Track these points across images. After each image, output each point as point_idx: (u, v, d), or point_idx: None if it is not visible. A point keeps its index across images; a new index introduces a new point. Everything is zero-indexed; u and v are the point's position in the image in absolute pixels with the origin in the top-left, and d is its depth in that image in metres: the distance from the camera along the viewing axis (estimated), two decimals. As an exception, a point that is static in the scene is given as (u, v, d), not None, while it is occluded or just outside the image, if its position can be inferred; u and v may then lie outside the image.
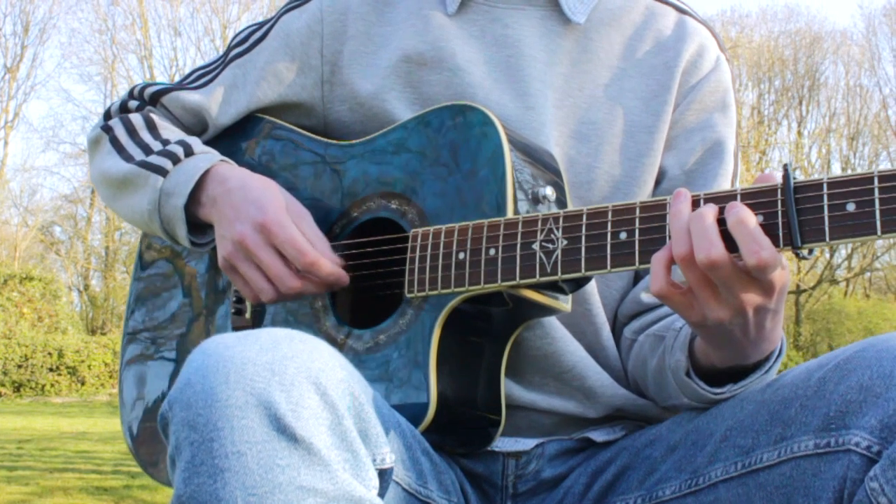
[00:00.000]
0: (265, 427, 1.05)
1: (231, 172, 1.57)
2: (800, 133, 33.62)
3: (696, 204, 1.23)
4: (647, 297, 1.58)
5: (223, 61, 1.75)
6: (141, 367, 1.80)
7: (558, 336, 1.53)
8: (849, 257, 31.92)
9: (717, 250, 1.17)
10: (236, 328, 1.65)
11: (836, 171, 32.86)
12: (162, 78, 32.14)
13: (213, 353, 1.10)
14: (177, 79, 1.84)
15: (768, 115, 33.76)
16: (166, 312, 1.79)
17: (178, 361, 1.75)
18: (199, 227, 1.60)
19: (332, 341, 1.50)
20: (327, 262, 1.49)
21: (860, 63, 34.30)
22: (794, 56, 34.10)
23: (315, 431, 1.07)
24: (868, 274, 33.63)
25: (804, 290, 30.62)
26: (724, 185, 1.62)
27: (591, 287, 1.56)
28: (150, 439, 1.75)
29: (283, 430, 1.06)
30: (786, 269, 1.21)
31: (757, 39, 34.09)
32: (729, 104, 1.67)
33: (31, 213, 33.75)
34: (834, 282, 32.12)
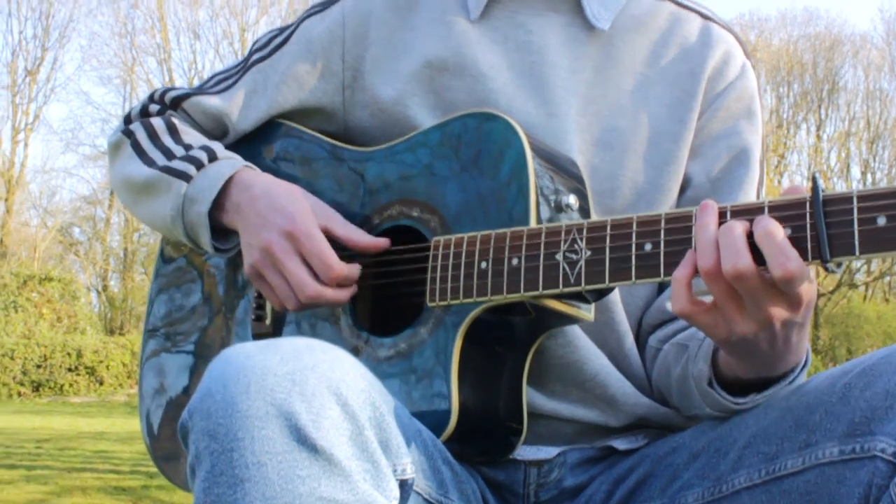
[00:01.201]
0: (285, 438, 1.05)
1: (255, 178, 1.56)
2: (819, 137, 33.48)
3: (722, 216, 1.21)
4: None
5: (244, 66, 1.74)
6: (161, 363, 1.80)
7: (581, 345, 1.52)
8: (868, 261, 31.75)
9: (745, 261, 1.16)
10: (256, 335, 1.64)
11: (856, 175, 32.68)
12: (181, 81, 32.25)
13: (233, 363, 1.09)
14: (196, 82, 1.84)
15: (787, 118, 33.64)
16: (186, 308, 1.79)
17: (198, 356, 1.75)
18: (223, 233, 1.60)
19: (353, 349, 1.49)
20: (356, 269, 1.50)
21: (880, 67, 34.15)
22: (813, 60, 33.96)
23: (336, 442, 1.07)
24: (888, 278, 33.46)
25: (823, 294, 30.48)
26: (749, 192, 1.61)
27: (615, 296, 1.54)
28: (167, 435, 1.75)
29: (304, 441, 1.05)
30: (813, 283, 1.20)
31: (776, 43, 33.99)
32: (755, 111, 1.66)
33: (50, 214, 33.98)
34: (853, 286, 31.97)
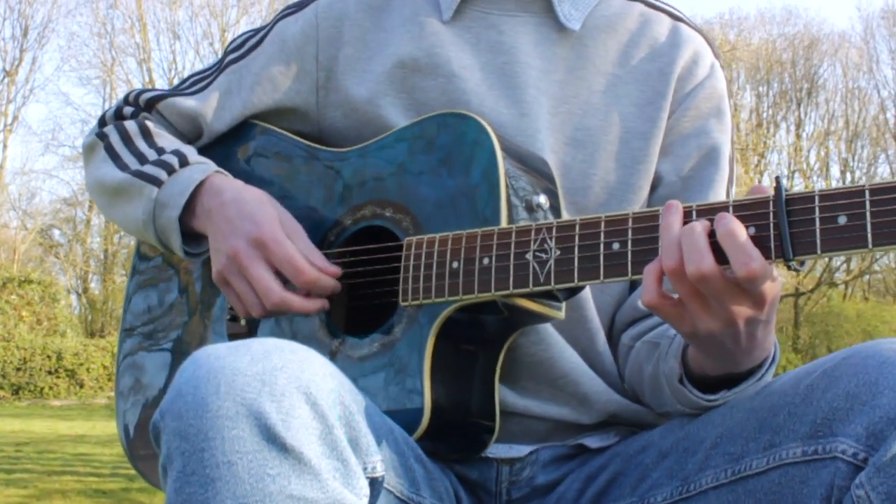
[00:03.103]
0: (256, 437, 1.06)
1: (226, 184, 1.57)
2: (798, 136, 33.61)
3: (687, 216, 1.23)
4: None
5: (219, 67, 1.75)
6: (138, 361, 1.80)
7: (552, 342, 1.53)
8: (847, 260, 31.90)
9: (707, 263, 1.17)
10: (231, 335, 1.65)
11: (835, 173, 32.80)
12: (160, 81, 32.11)
13: (203, 364, 1.10)
14: (175, 82, 1.84)
15: (767, 117, 33.75)
16: (163, 307, 1.79)
17: (175, 354, 1.75)
18: (194, 237, 1.60)
19: (327, 349, 1.50)
20: (327, 278, 1.49)
21: (858, 65, 34.33)
22: (792, 59, 34.12)
23: (305, 441, 1.08)
24: (867, 276, 33.65)
25: (803, 293, 30.63)
26: (720, 191, 1.62)
27: (586, 293, 1.56)
28: (144, 434, 1.75)
29: (274, 440, 1.06)
30: (777, 280, 1.21)
31: (755, 42, 34.11)
32: (724, 111, 1.67)
33: (30, 216, 33.75)
34: (833, 284, 32.11)
